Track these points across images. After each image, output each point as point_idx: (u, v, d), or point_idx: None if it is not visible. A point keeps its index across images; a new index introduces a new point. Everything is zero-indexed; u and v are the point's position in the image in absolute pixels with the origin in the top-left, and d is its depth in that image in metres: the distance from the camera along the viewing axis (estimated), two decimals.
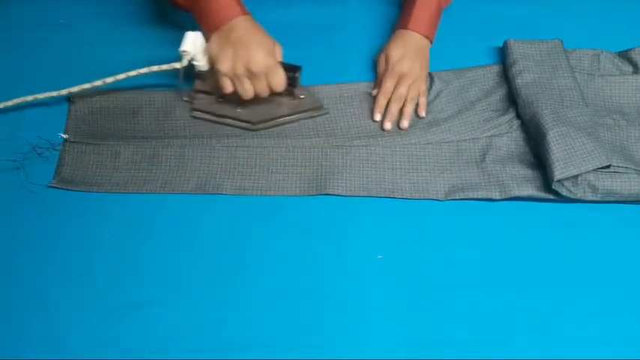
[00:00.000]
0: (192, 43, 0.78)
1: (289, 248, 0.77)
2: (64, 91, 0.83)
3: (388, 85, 0.85)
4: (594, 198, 0.78)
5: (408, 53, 0.85)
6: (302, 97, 0.85)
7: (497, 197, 0.80)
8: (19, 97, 0.85)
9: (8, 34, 0.94)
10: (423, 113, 0.85)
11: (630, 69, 0.89)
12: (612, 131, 0.84)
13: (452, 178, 0.82)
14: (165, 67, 0.80)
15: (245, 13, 0.77)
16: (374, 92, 0.87)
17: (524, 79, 0.85)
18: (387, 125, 0.84)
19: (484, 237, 0.78)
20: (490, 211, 0.80)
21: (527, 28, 0.94)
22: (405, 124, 0.84)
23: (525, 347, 0.71)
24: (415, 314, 0.72)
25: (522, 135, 0.84)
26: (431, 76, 0.89)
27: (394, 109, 0.84)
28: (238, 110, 0.84)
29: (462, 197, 0.80)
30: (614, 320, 0.72)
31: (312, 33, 0.93)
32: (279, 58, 0.79)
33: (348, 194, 0.80)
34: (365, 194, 0.81)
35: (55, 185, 0.81)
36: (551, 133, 0.78)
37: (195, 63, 0.79)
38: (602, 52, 0.90)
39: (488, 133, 0.85)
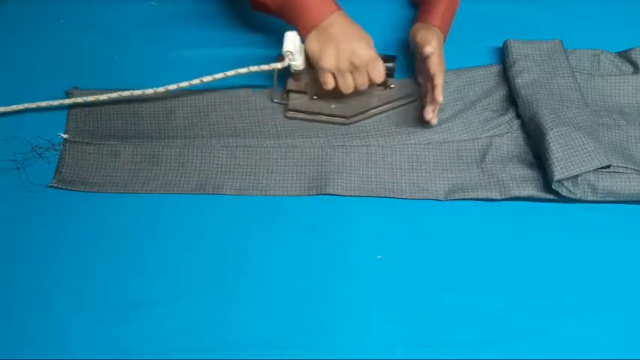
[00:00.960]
0: (293, 43, 0.78)
1: (289, 248, 0.77)
2: (67, 101, 0.84)
3: (435, 61, 0.80)
4: (594, 198, 0.78)
5: (441, 49, 0.84)
6: (392, 86, 0.86)
7: (497, 197, 0.80)
8: (18, 97, 0.85)
9: (8, 33, 0.94)
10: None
11: (630, 69, 0.89)
12: (612, 131, 0.84)
13: (452, 178, 0.82)
14: (265, 67, 0.79)
15: (339, 8, 0.78)
16: (428, 50, 0.80)
17: (524, 78, 0.85)
18: (435, 120, 0.82)
19: (484, 237, 0.78)
20: (490, 211, 0.80)
21: (528, 28, 0.94)
22: (431, 118, 0.83)
23: (525, 347, 0.70)
24: (415, 314, 0.72)
25: (522, 135, 0.84)
26: None
27: (438, 97, 0.81)
28: (332, 106, 0.84)
29: (461, 197, 0.80)
30: (615, 320, 0.72)
31: None
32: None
33: (348, 194, 0.80)
34: (365, 194, 0.81)
35: (55, 185, 0.81)
36: (551, 133, 0.78)
37: (292, 63, 0.79)
38: (602, 52, 0.90)
39: (488, 133, 0.85)
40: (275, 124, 0.86)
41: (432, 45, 0.80)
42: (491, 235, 0.78)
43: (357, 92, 0.82)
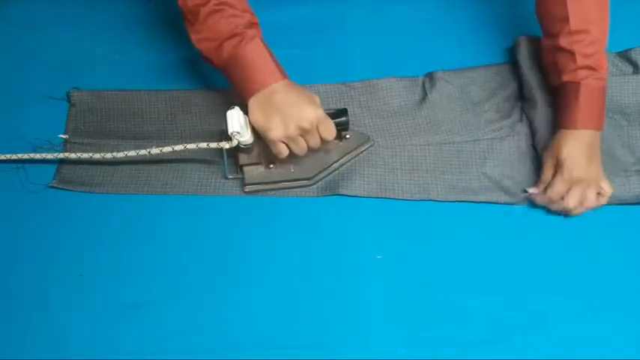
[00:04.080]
0: (238, 121, 0.73)
1: (289, 248, 0.77)
2: (60, 155, 0.82)
3: (557, 189, 0.76)
4: None
5: (583, 155, 0.75)
6: (348, 136, 0.82)
7: (497, 201, 0.80)
8: (18, 97, 0.85)
9: (8, 33, 0.94)
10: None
11: (630, 69, 0.89)
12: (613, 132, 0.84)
13: (452, 180, 0.81)
14: (213, 144, 0.74)
15: (284, 77, 0.74)
16: (533, 190, 0.78)
17: (539, 78, 0.83)
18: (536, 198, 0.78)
19: (484, 237, 0.78)
20: (490, 211, 0.80)
21: (528, 28, 0.94)
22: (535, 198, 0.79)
23: (525, 347, 0.71)
24: (415, 314, 0.73)
25: (524, 139, 0.83)
26: (432, 76, 0.88)
27: (556, 209, 0.78)
28: (292, 170, 0.80)
29: (461, 199, 0.80)
30: (615, 321, 0.72)
31: (312, 33, 0.93)
32: None
33: (348, 195, 0.80)
34: (365, 194, 0.80)
35: (55, 185, 0.81)
36: None
37: (240, 139, 0.74)
38: None
39: (489, 136, 0.84)
40: None
41: (538, 187, 0.77)
42: (491, 235, 0.78)
43: (313, 151, 0.77)
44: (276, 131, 0.72)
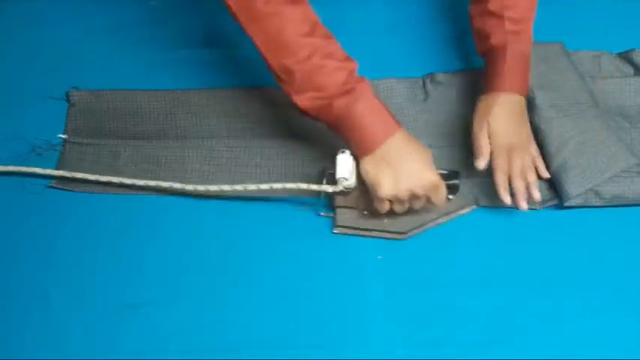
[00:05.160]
0: (346, 166, 0.72)
1: (289, 248, 0.77)
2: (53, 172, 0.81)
3: (500, 162, 0.75)
4: (599, 203, 0.78)
5: (511, 121, 0.76)
6: (451, 197, 0.77)
7: (498, 204, 0.79)
8: (18, 97, 0.85)
9: (8, 33, 0.94)
10: (546, 174, 0.78)
11: (631, 70, 0.89)
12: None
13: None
14: (314, 187, 0.73)
15: (399, 127, 0.70)
16: (480, 164, 0.76)
17: (539, 80, 0.83)
18: (524, 205, 0.75)
19: (484, 237, 0.78)
20: (490, 211, 0.80)
21: None
22: (536, 195, 0.76)
23: (525, 348, 0.70)
24: (415, 314, 0.72)
25: None
26: (433, 77, 0.88)
27: (520, 186, 0.75)
28: (385, 221, 0.77)
29: (462, 203, 0.80)
30: (615, 321, 0.72)
31: None
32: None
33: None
34: None
35: (55, 185, 0.81)
36: (571, 142, 0.77)
37: (344, 184, 0.73)
38: (603, 53, 0.89)
39: None
40: (275, 124, 0.86)
41: (483, 157, 0.75)
42: (491, 235, 0.78)
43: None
44: (386, 190, 0.69)
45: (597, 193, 0.77)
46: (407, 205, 0.72)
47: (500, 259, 0.76)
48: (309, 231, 0.78)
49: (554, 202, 0.79)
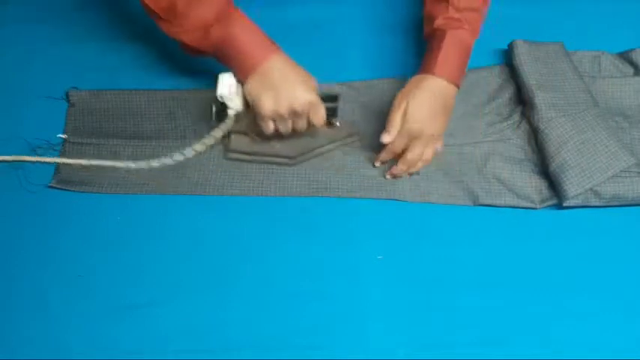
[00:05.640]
0: (228, 86, 0.74)
1: (289, 248, 0.77)
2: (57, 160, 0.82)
3: (397, 144, 0.77)
4: (598, 203, 0.78)
5: (429, 107, 0.76)
6: (337, 124, 0.82)
7: (498, 204, 0.80)
8: (18, 97, 0.85)
9: (8, 33, 0.94)
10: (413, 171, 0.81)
11: (631, 70, 0.89)
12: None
13: (453, 183, 0.81)
14: (212, 137, 0.77)
15: (277, 49, 0.74)
16: (385, 139, 0.77)
17: (538, 80, 0.83)
18: (387, 176, 0.81)
19: (484, 238, 0.78)
20: (490, 211, 0.80)
21: (528, 28, 0.94)
22: (389, 177, 0.81)
23: (525, 348, 0.71)
24: (415, 315, 0.73)
25: (526, 141, 0.84)
26: None
27: (400, 171, 0.80)
28: (277, 146, 0.81)
29: (462, 202, 0.80)
30: (615, 322, 0.72)
31: (311, 33, 0.93)
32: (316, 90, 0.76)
33: (347, 195, 0.80)
34: (365, 195, 0.80)
35: (55, 185, 0.81)
36: (571, 142, 0.78)
37: (229, 104, 0.76)
38: (603, 53, 0.89)
39: (491, 138, 0.84)
40: None
41: (389, 134, 0.76)
42: (491, 235, 0.78)
43: (298, 132, 0.78)
44: (266, 106, 0.73)
45: (597, 193, 0.77)
46: (290, 125, 0.75)
47: (500, 259, 0.76)
48: (309, 231, 0.78)
49: (554, 201, 0.79)
